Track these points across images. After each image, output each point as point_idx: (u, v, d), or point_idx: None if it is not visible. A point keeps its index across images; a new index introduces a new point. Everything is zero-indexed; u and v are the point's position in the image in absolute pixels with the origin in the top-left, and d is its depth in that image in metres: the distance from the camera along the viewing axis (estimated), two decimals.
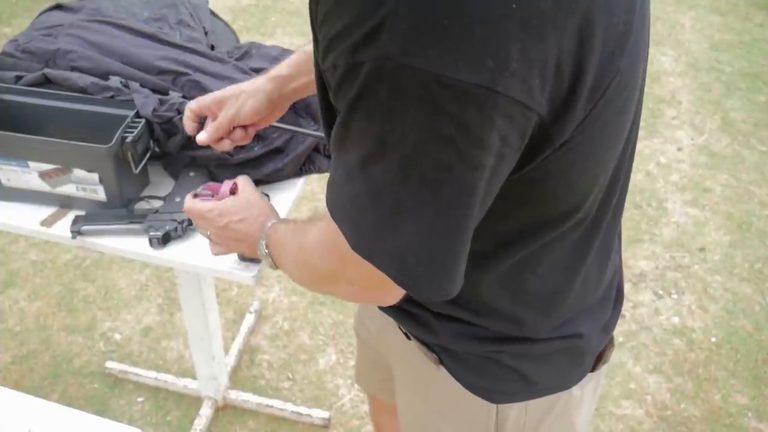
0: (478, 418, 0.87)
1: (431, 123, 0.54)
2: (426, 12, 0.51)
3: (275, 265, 0.88)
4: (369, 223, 0.61)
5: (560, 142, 0.60)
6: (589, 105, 0.59)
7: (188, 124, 1.05)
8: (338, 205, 0.64)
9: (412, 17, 0.51)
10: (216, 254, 1.02)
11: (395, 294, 0.68)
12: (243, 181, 0.97)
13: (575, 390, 0.87)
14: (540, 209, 0.70)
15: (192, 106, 1.04)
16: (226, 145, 1.04)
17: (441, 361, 0.86)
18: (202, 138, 1.02)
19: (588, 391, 0.90)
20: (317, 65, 0.65)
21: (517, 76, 0.53)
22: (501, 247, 0.74)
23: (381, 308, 0.91)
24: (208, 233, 0.98)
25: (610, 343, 0.91)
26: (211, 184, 0.99)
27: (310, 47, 0.93)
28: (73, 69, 1.28)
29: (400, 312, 0.87)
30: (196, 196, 0.99)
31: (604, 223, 0.78)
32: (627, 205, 2.59)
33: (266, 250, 0.87)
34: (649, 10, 0.68)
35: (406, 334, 0.90)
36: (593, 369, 0.88)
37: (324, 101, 0.68)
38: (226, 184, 0.97)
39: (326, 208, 0.67)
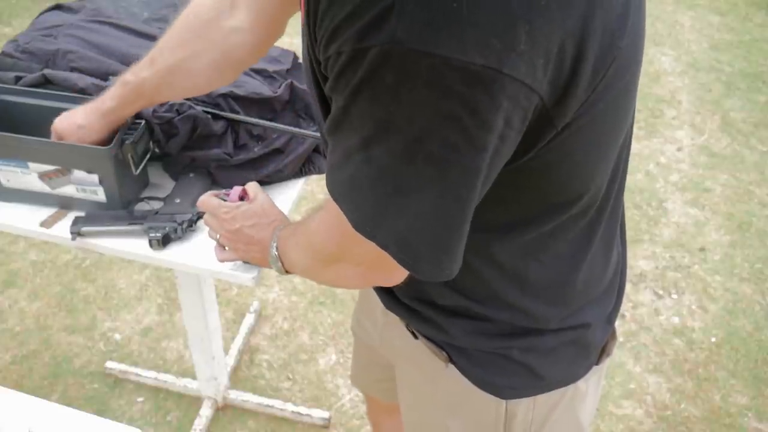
0: (487, 414, 0.87)
1: (439, 105, 0.54)
2: None
3: (284, 270, 0.88)
4: (370, 203, 0.61)
5: (562, 125, 0.61)
6: (590, 87, 0.60)
7: None
8: (337, 186, 0.64)
9: (422, 0, 0.51)
10: (221, 260, 1.03)
11: (401, 273, 0.68)
12: (255, 189, 1.00)
13: (581, 384, 0.88)
14: (545, 196, 0.70)
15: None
16: None
17: (450, 359, 0.86)
18: None
19: (592, 384, 0.91)
20: (311, 61, 0.65)
21: (523, 57, 0.53)
22: (506, 234, 0.74)
23: (388, 307, 0.91)
24: (218, 236, 0.99)
25: (613, 335, 0.91)
26: (225, 190, 1.03)
27: (128, 77, 1.04)
28: (72, 69, 1.28)
29: (409, 311, 0.87)
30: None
31: (607, 210, 0.79)
32: (627, 204, 2.59)
33: (276, 252, 0.87)
34: None
35: (413, 333, 0.91)
36: (598, 362, 0.89)
37: (320, 99, 0.68)
38: (236, 191, 1.00)
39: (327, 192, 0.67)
